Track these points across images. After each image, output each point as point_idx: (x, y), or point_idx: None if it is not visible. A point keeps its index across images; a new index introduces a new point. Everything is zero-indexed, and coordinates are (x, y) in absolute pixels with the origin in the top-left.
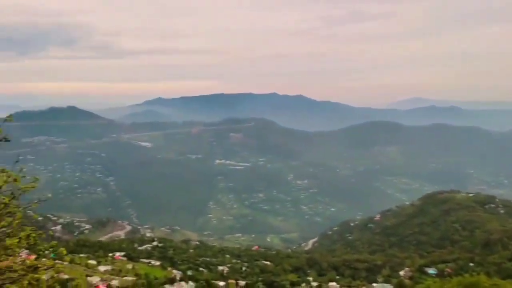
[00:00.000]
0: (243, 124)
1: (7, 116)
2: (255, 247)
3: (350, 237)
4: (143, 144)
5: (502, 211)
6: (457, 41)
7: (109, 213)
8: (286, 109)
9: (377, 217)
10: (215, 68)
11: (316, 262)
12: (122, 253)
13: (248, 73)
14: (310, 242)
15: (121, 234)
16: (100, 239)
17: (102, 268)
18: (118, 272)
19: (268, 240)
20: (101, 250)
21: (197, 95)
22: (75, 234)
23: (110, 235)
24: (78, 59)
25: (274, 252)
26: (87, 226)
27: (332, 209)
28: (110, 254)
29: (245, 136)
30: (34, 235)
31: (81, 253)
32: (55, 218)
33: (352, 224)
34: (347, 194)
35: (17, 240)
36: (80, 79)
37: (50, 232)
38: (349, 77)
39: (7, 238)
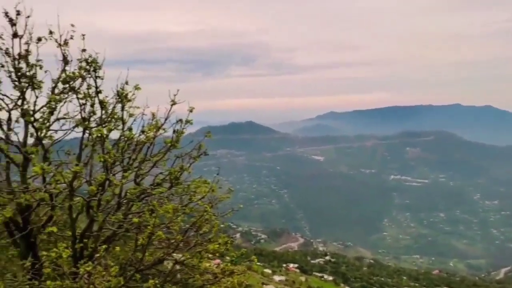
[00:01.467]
0: (421, 137)
1: (206, 133)
2: (436, 271)
3: None
4: (316, 157)
5: None
6: None
7: (283, 224)
8: (472, 121)
9: None
10: (389, 79)
11: None
12: (296, 265)
13: (426, 83)
14: (502, 271)
15: (294, 246)
16: (275, 249)
17: (276, 277)
18: (291, 283)
19: (451, 264)
20: (276, 260)
21: (370, 108)
22: (252, 242)
23: (284, 246)
24: (256, 76)
25: (458, 279)
26: (263, 236)
27: None
28: (284, 265)
29: (424, 150)
30: (230, 241)
31: (258, 262)
32: (234, 226)
33: None
34: None
35: (217, 245)
36: (258, 95)
37: (239, 241)
38: None
39: (208, 243)
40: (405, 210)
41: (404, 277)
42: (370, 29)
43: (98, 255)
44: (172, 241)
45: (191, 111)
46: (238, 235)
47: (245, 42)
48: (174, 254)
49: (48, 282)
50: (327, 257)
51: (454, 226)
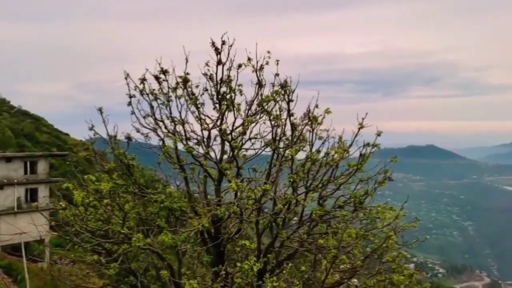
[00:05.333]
0: None
1: (393, 157)
2: None
3: None
4: (509, 188)
5: None
6: None
7: (466, 260)
8: None
9: None
10: None
11: None
12: None
13: None
14: None
15: (478, 285)
16: (455, 286)
17: None
18: None
19: None
20: None
21: None
22: (428, 275)
23: (466, 284)
24: (439, 97)
25: None
26: (441, 270)
27: None
28: None
29: None
30: (416, 274)
31: None
32: (408, 256)
33: None
34: None
35: (403, 277)
36: (440, 118)
37: (424, 274)
38: None
39: (392, 274)
40: None
41: None
42: None
43: (284, 272)
44: (353, 265)
45: (379, 135)
46: (411, 265)
47: (428, 62)
48: (354, 279)
49: None
50: None
51: None
